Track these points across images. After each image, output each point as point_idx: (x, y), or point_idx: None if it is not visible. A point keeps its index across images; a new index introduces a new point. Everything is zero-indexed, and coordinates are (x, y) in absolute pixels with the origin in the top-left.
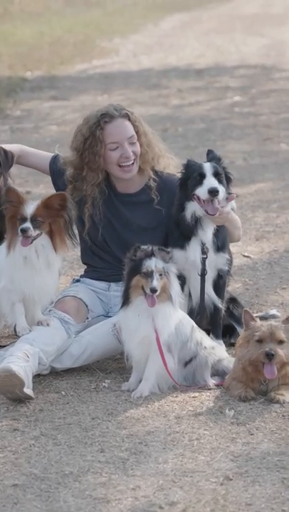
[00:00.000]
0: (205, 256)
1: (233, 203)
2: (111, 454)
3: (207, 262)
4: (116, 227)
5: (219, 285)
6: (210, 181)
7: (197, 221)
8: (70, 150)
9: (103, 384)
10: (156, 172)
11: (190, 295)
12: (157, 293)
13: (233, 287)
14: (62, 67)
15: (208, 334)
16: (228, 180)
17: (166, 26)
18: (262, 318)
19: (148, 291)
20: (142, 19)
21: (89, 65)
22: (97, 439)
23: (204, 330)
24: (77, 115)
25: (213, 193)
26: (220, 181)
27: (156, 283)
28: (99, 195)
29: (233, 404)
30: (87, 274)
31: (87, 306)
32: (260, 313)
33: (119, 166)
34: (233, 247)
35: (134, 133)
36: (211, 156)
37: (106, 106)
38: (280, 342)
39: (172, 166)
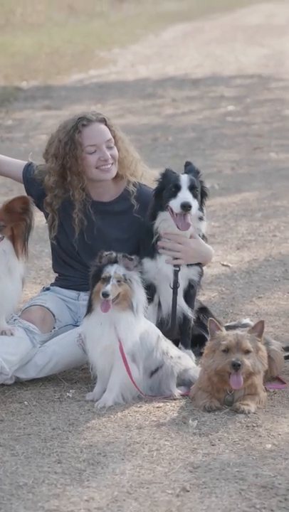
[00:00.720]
0: (178, 269)
1: (202, 228)
2: (68, 465)
3: (179, 273)
4: (87, 236)
5: (190, 295)
6: (184, 195)
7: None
8: (47, 158)
9: (67, 394)
10: (134, 182)
11: (159, 305)
12: (109, 298)
13: (208, 296)
14: (58, 77)
15: (178, 344)
16: (204, 194)
17: (168, 37)
18: (234, 327)
19: (100, 295)
20: (143, 30)
21: (85, 75)
22: (55, 449)
23: (174, 340)
24: None
25: (185, 207)
26: (195, 195)
27: (108, 287)
28: (87, 198)
29: (197, 415)
30: (57, 283)
31: (54, 315)
32: (232, 323)
33: (98, 168)
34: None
35: (111, 137)
36: (189, 168)
37: (82, 111)
38: (247, 352)
39: (148, 174)
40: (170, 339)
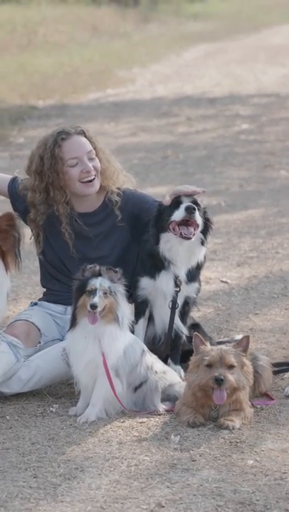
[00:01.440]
0: (178, 289)
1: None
2: (43, 480)
3: (179, 293)
4: (76, 248)
5: (184, 311)
6: (187, 204)
7: (172, 255)
8: (29, 175)
9: (50, 409)
10: (118, 188)
11: (152, 319)
12: (97, 309)
13: (204, 312)
14: (74, 96)
15: (167, 359)
16: (208, 227)
17: (189, 57)
18: (226, 343)
19: (88, 307)
20: (165, 50)
21: (102, 93)
22: (32, 464)
23: (166, 356)
24: None
25: (189, 209)
26: (198, 209)
27: (96, 299)
28: (72, 211)
29: (180, 430)
30: (44, 298)
31: (39, 329)
32: (225, 339)
33: (81, 182)
34: (212, 273)
35: (92, 148)
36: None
37: (60, 126)
38: (230, 367)
39: (130, 182)
40: (160, 355)
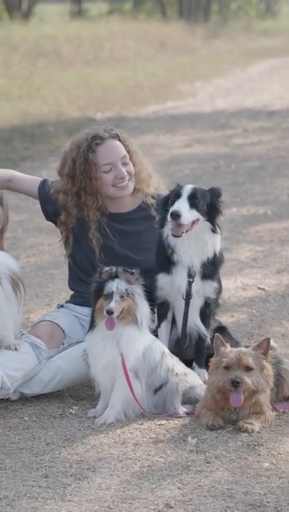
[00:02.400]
0: (191, 280)
1: (216, 241)
2: (54, 480)
3: (194, 287)
4: (104, 255)
5: (205, 313)
6: (178, 204)
7: (176, 243)
8: (61, 177)
9: (70, 410)
10: (152, 194)
11: (175, 323)
12: (114, 315)
13: (237, 318)
14: (133, 109)
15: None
16: (217, 211)
17: (253, 71)
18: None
19: (104, 313)
20: (230, 64)
21: (162, 106)
22: (45, 464)
23: (191, 359)
24: None
25: (173, 215)
26: (194, 205)
27: (112, 305)
28: (101, 217)
29: (198, 433)
30: (71, 300)
31: (64, 331)
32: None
33: (115, 186)
34: (250, 280)
35: (126, 153)
36: (211, 188)
37: (94, 128)
38: (248, 369)
39: (163, 186)
40: (185, 358)
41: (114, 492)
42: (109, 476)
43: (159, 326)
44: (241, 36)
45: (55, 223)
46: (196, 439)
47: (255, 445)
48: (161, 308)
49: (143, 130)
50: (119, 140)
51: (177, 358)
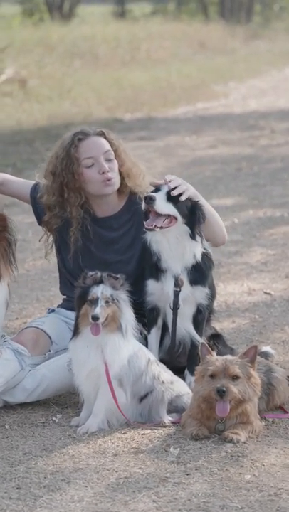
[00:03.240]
0: (178, 289)
1: (195, 248)
2: (26, 491)
3: (182, 295)
4: (94, 252)
5: (198, 320)
6: (155, 193)
7: (158, 247)
8: (45, 176)
9: (53, 419)
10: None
11: (168, 329)
12: (99, 321)
13: (238, 323)
14: (163, 110)
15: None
16: (198, 220)
17: None
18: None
19: (90, 319)
20: (268, 65)
21: (192, 107)
22: (19, 474)
23: (184, 367)
24: (156, 155)
25: (146, 199)
26: (171, 199)
27: (98, 310)
28: (85, 215)
29: (182, 443)
30: (63, 304)
31: (50, 337)
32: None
33: (99, 181)
34: (257, 284)
35: (109, 148)
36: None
37: (80, 126)
38: (235, 378)
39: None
40: (178, 366)
41: (86, 505)
42: (83, 488)
43: (149, 332)
44: (283, 37)
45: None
46: (178, 449)
47: (239, 456)
48: (151, 314)
49: (169, 131)
50: (105, 138)
51: (164, 366)
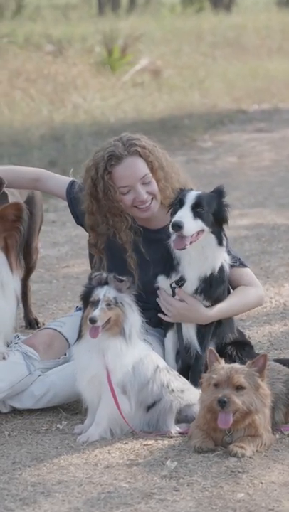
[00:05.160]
0: (176, 286)
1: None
2: (0, 504)
3: None
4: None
5: (201, 332)
6: (180, 213)
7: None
8: (84, 197)
9: (57, 426)
10: None
11: (182, 333)
12: (97, 324)
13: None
14: None
15: None
16: (223, 220)
17: None
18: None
19: (88, 321)
20: None
21: None
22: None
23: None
24: (268, 147)
25: (174, 227)
26: (198, 214)
27: (96, 313)
28: (135, 236)
29: (183, 456)
30: None
31: (68, 341)
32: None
33: (136, 207)
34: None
35: (147, 171)
36: (215, 189)
37: (115, 141)
38: (240, 388)
39: None
40: None
41: None
42: (60, 502)
43: (165, 335)
44: None
45: (84, 227)
46: (176, 462)
47: (238, 472)
48: None
49: None
50: (140, 156)
51: (176, 373)
